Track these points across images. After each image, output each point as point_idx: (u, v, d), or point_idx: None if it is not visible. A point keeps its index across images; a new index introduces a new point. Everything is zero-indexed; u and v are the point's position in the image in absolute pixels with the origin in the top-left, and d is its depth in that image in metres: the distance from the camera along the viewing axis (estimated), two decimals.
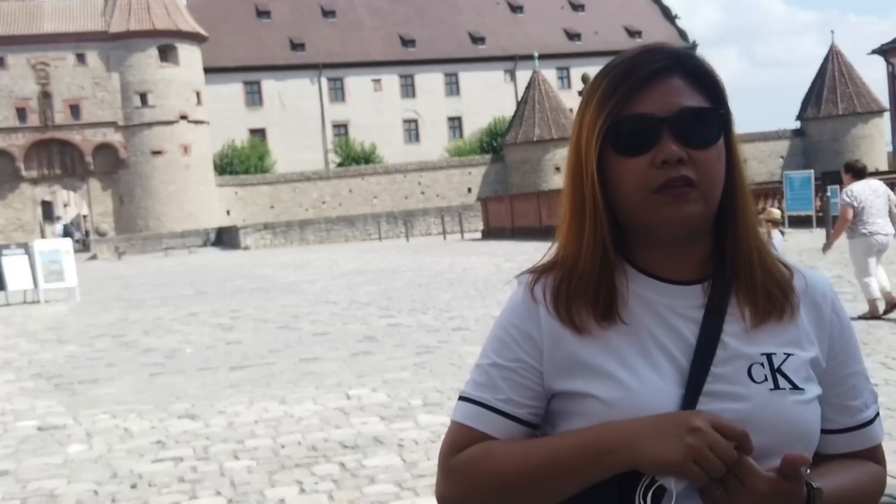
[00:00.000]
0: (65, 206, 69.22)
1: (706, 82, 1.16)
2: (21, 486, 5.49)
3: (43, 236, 50.62)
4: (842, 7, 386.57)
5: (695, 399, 1.11)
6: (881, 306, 9.09)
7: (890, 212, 9.19)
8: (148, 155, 51.12)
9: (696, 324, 1.15)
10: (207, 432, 6.51)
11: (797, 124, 62.85)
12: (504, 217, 35.34)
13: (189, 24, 52.72)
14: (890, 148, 58.07)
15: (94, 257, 42.46)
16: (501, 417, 1.18)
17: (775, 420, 1.12)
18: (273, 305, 15.12)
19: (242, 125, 59.88)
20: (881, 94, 58.18)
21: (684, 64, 1.16)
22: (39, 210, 52.74)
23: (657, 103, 1.12)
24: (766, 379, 1.14)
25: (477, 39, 66.29)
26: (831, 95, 59.36)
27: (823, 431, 1.20)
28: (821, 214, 20.41)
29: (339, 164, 60.03)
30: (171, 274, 26.38)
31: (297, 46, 62.42)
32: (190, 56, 52.63)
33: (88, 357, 10.84)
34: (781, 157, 61.58)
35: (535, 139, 51.01)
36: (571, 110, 47.98)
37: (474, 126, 62.92)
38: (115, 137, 50.98)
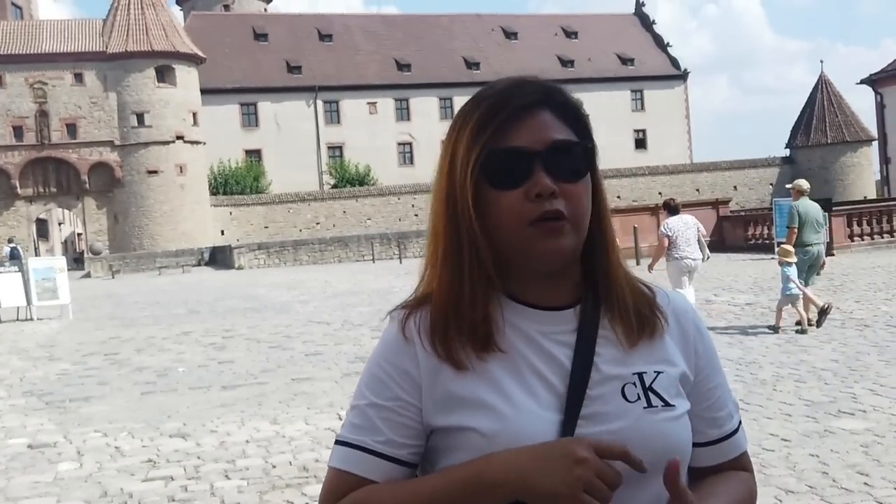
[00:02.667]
0: (59, 224, 69.09)
1: (573, 116, 1.18)
2: None
3: (37, 254, 50.48)
4: (831, 37, 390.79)
5: (573, 424, 1.12)
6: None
7: (699, 241, 11.06)
8: (143, 174, 51.14)
9: (570, 348, 1.16)
10: (199, 451, 6.53)
11: (786, 152, 63.27)
12: None
13: (187, 45, 52.95)
14: (878, 176, 58.45)
15: (87, 275, 42.36)
16: (381, 460, 1.15)
17: (649, 437, 1.13)
18: (266, 325, 15.12)
19: (238, 146, 59.99)
20: (869, 123, 58.78)
21: (553, 98, 1.17)
22: (34, 228, 52.64)
23: (529, 137, 1.14)
24: (638, 398, 1.15)
25: (471, 64, 66.71)
26: (820, 124, 59.86)
27: (695, 445, 1.22)
28: None
29: (334, 186, 60.13)
30: (165, 293, 26.34)
31: (293, 69, 62.70)
32: (187, 77, 52.81)
33: (80, 375, 10.83)
34: (771, 184, 61.93)
35: None
36: None
37: None
38: (111, 156, 51.01)
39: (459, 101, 65.53)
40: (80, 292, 25.44)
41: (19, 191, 49.82)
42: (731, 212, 29.72)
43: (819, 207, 11.46)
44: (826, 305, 10.56)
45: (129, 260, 44.66)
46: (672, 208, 11.47)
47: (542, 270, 1.17)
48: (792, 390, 7.34)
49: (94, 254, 46.99)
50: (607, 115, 64.16)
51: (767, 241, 25.24)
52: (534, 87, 1.18)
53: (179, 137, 51.71)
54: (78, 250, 64.45)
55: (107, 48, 50.65)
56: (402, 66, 64.94)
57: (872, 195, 54.46)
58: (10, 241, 36.85)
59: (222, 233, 53.30)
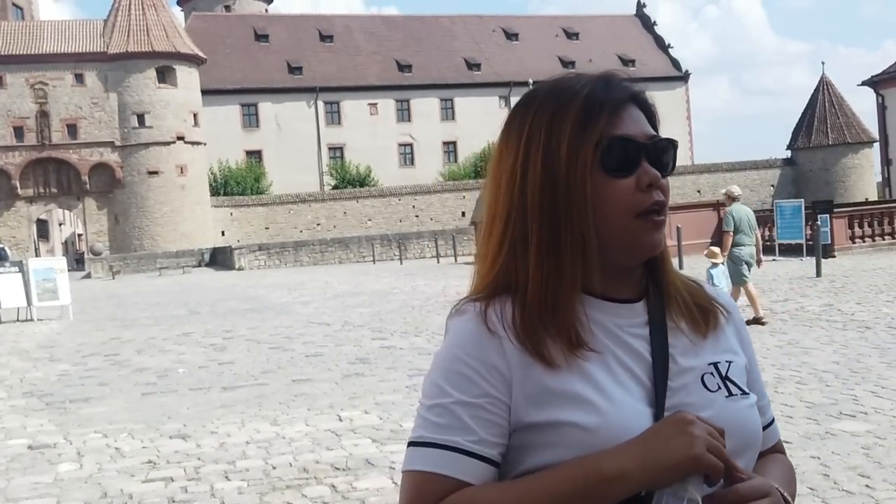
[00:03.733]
0: (60, 224, 69.15)
1: (652, 115, 1.21)
2: None
3: (37, 255, 50.51)
4: (832, 38, 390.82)
5: (661, 415, 1.11)
6: None
7: None
8: (144, 175, 51.18)
9: (645, 340, 1.17)
10: (199, 452, 6.52)
11: (788, 153, 63.26)
12: None
13: (188, 46, 52.97)
14: (879, 178, 58.43)
15: (88, 276, 42.36)
16: (476, 461, 1.09)
17: (734, 425, 1.12)
18: (266, 326, 15.12)
19: (239, 146, 60.03)
20: (871, 124, 58.73)
21: (637, 96, 1.20)
22: (34, 228, 52.68)
23: (634, 128, 1.15)
24: (719, 387, 1.17)
25: (472, 65, 66.75)
26: (822, 126, 59.83)
27: None
28: (811, 243, 20.50)
29: (335, 187, 60.15)
30: (165, 293, 26.34)
31: (294, 70, 62.75)
32: (188, 78, 52.84)
33: (80, 376, 10.82)
34: (772, 185, 61.93)
35: None
36: None
37: (468, 150, 63.19)
38: (111, 157, 51.05)
39: (460, 101, 65.66)
40: (80, 293, 25.45)
41: (20, 191, 49.86)
42: None
43: (751, 211, 12.15)
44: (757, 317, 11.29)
45: (129, 261, 44.69)
46: None
47: (630, 263, 1.18)
48: (793, 392, 7.32)
49: (94, 254, 47.03)
50: None
51: (768, 243, 25.22)
52: (627, 82, 1.20)
53: (180, 138, 51.76)
54: (79, 251, 64.52)
55: (107, 49, 50.69)
56: (403, 67, 64.97)
57: (874, 197, 54.39)
58: None
59: (223, 234, 53.32)
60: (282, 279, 30.13)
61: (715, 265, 11.30)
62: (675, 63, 72.15)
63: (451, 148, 65.26)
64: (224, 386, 9.38)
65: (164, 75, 51.53)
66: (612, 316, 1.17)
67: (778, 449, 1.32)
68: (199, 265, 44.21)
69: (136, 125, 51.13)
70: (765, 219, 26.88)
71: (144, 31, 51.16)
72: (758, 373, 1.30)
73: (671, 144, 1.19)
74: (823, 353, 9.09)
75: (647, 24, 74.99)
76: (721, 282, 11.04)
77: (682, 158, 68.11)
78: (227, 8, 75.44)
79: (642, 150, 1.14)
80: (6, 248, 34.17)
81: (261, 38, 64.47)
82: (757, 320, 11.17)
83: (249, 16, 70.56)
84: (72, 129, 50.66)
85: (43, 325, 18.07)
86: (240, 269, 39.41)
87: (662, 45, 73.28)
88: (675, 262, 17.95)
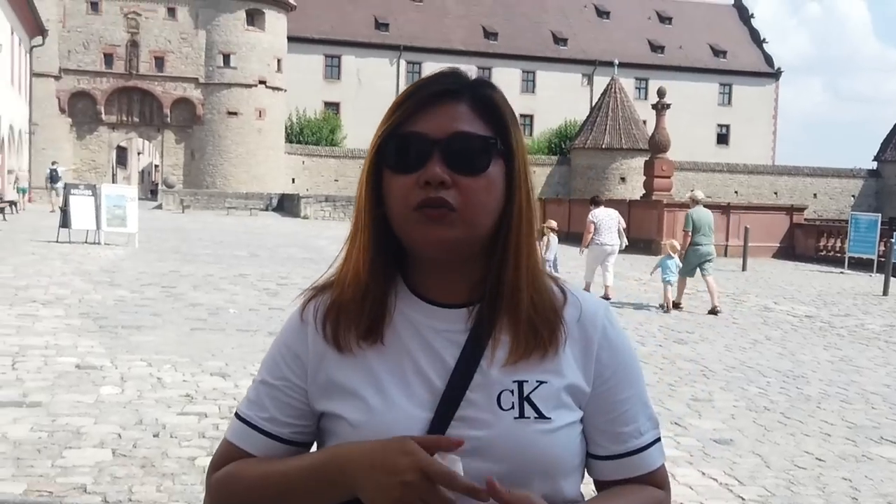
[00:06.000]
0: (139, 154, 70.88)
1: (492, 112, 1.15)
2: (51, 420, 5.71)
3: (114, 181, 51.93)
4: None
5: (445, 424, 1.11)
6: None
7: (619, 231, 13.69)
8: (223, 114, 51.97)
9: (458, 347, 1.15)
10: (235, 392, 6.67)
11: (873, 165, 61.14)
12: (561, 219, 35.18)
13: None
14: None
15: (159, 207, 43.44)
16: (262, 436, 1.19)
17: (516, 448, 1.11)
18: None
19: (318, 97, 60.52)
20: None
21: (473, 91, 1.15)
22: (114, 154, 54.08)
23: (433, 125, 1.12)
24: (512, 406, 1.13)
25: (559, 40, 65.87)
26: None
27: (596, 457, 1.20)
28: (882, 259, 19.82)
29: None
30: (230, 233, 26.86)
31: (381, 26, 62.79)
32: (276, 23, 53.28)
33: (136, 303, 11.15)
34: (853, 196, 59.99)
35: (603, 146, 50.51)
36: (645, 122, 47.39)
37: (545, 126, 62.60)
38: (194, 93, 51.93)
39: (542, 75, 64.99)
40: (149, 223, 26.11)
41: (104, 117, 51.10)
42: (805, 219, 28.82)
43: (710, 214, 13.47)
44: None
45: (200, 196, 45.60)
46: (597, 202, 14.47)
47: (431, 259, 1.16)
48: (836, 410, 7.15)
49: (167, 187, 48.12)
50: (692, 105, 62.87)
51: (839, 255, 24.50)
52: (454, 78, 1.17)
53: (262, 82, 52.32)
54: (154, 181, 66.08)
55: None
56: (489, 35, 64.47)
57: None
58: (53, 162, 37.92)
59: (293, 181, 54.00)
60: (343, 232, 30.34)
61: (671, 257, 12.71)
62: (769, 59, 70.07)
63: (527, 122, 64.68)
64: (270, 331, 9.54)
65: (253, 18, 52.04)
66: (427, 317, 1.17)
67: (649, 481, 1.21)
68: (267, 209, 44.89)
69: (221, 64, 51.83)
70: (839, 230, 26.09)
71: None
72: (625, 395, 1.20)
73: (478, 141, 1.12)
74: (875, 375, 8.84)
75: (745, 15, 72.87)
76: (670, 273, 12.58)
77: (763, 157, 66.44)
78: None
79: (434, 148, 1.11)
80: (58, 170, 35.17)
81: None
82: (713, 310, 12.59)
83: None
84: (159, 61, 51.60)
85: (109, 250, 18.62)
86: (305, 217, 39.92)
87: (757, 39, 71.18)
88: (738, 262, 17.78)
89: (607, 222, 13.60)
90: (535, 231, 1.19)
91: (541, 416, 1.13)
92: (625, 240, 14.06)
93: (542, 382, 1.15)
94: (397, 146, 1.13)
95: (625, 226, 14.15)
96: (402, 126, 1.13)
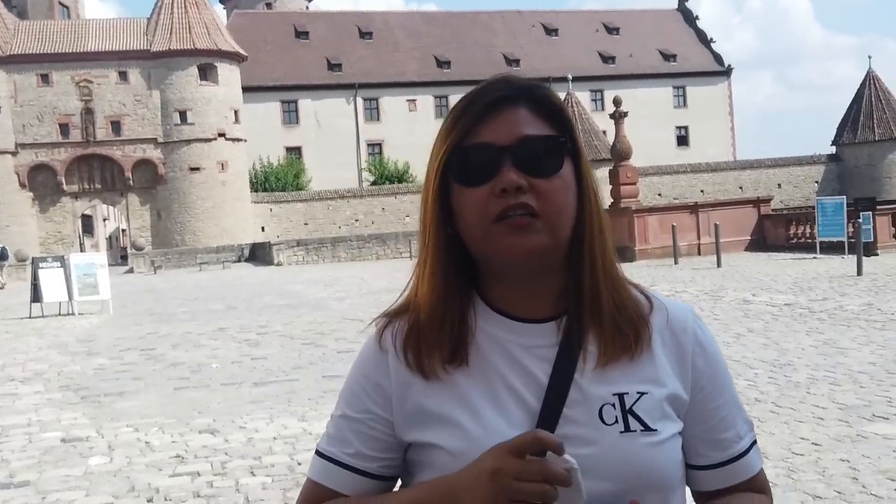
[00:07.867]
0: (104, 220, 70.33)
1: (552, 112, 1.13)
2: (41, 498, 5.59)
3: (82, 250, 51.42)
4: (880, 31, 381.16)
5: None
6: None
7: None
8: (186, 171, 51.81)
9: (549, 363, 1.10)
10: (226, 447, 6.59)
11: (833, 149, 62.10)
12: None
13: (229, 43, 53.50)
14: None
15: (130, 271, 43.05)
16: (350, 473, 1.14)
17: (625, 464, 1.07)
18: (300, 322, 15.23)
19: (279, 143, 60.52)
20: None
21: (530, 94, 1.13)
22: (79, 223, 53.64)
23: (497, 132, 1.09)
24: (616, 421, 1.09)
25: (511, 61, 66.50)
26: (867, 121, 58.60)
27: (697, 468, 1.17)
28: (853, 240, 20.08)
29: (373, 183, 60.38)
30: (204, 288, 26.66)
31: (333, 66, 63.09)
32: (229, 75, 53.37)
33: (116, 370, 11.00)
34: (816, 181, 60.82)
35: None
36: (605, 132, 47.84)
37: None
38: (154, 153, 51.77)
39: None
40: (121, 287, 25.87)
41: (65, 187, 50.75)
42: (772, 210, 29.20)
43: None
44: None
45: (170, 256, 45.28)
46: None
47: (516, 273, 1.12)
48: (826, 393, 7.19)
49: (136, 250, 47.74)
50: (649, 111, 63.57)
51: (809, 241, 24.80)
52: (506, 84, 1.14)
53: (221, 135, 52.29)
54: (122, 246, 65.53)
55: (151, 47, 51.38)
56: (442, 63, 64.97)
57: None
58: None
59: (262, 229, 53.80)
60: (318, 275, 30.32)
61: None
62: (718, 58, 71.14)
63: None
64: (255, 381, 9.47)
65: (206, 72, 52.10)
66: (513, 334, 1.13)
67: (751, 486, 1.19)
68: (239, 260, 44.64)
69: (179, 122, 51.76)
70: (806, 216, 26.43)
71: (187, 29, 51.78)
72: (721, 401, 1.18)
73: (547, 141, 1.10)
74: (860, 354, 8.91)
75: (690, 18, 74.02)
76: None
77: (723, 155, 67.25)
78: (269, 5, 76.03)
79: (504, 155, 1.08)
80: (6, 247, 35.36)
81: (301, 35, 64.90)
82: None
83: (290, 13, 71.02)
84: (116, 125, 51.43)
85: (83, 320, 18.40)
86: (278, 264, 39.74)
87: (705, 40, 72.30)
88: (712, 259, 18.02)
89: None
90: (610, 233, 1.16)
91: (647, 428, 1.09)
92: None
93: (643, 394, 1.11)
94: (465, 159, 1.10)
95: None
96: (465, 140, 1.10)
